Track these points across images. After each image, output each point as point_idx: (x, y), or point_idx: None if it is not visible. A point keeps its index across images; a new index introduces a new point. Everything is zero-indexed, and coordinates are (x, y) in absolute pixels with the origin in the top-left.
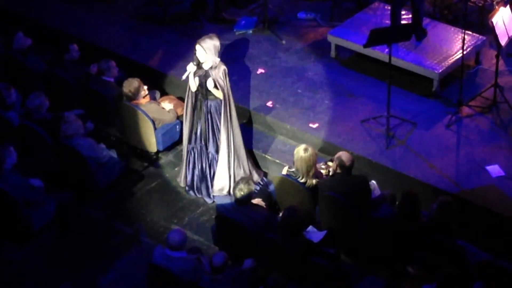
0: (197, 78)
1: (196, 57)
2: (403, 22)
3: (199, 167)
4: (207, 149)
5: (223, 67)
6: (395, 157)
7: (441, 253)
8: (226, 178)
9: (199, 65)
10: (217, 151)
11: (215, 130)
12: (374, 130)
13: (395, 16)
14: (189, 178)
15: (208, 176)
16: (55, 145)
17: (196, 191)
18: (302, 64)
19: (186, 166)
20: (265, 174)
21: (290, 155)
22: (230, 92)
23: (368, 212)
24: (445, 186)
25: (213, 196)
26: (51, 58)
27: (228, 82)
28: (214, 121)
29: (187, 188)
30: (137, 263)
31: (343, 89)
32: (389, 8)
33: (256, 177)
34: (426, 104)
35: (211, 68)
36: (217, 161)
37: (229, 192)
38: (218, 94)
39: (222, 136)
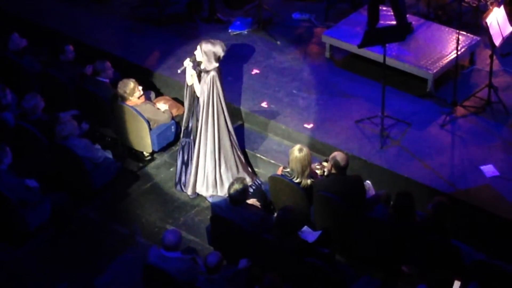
0: (193, 77)
1: (194, 55)
2: (391, 22)
3: (185, 162)
4: (194, 145)
5: (212, 73)
6: (389, 157)
7: (436, 253)
8: (201, 178)
9: (198, 63)
10: (199, 150)
11: (203, 130)
12: (369, 130)
13: (374, 12)
14: (177, 172)
15: (189, 171)
16: (51, 146)
17: (181, 186)
18: (297, 65)
19: (176, 161)
20: (256, 175)
21: (285, 155)
22: (220, 97)
23: (363, 212)
24: (440, 186)
25: (191, 193)
26: (46, 58)
27: (219, 88)
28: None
29: (175, 182)
30: (133, 264)
31: (337, 89)
32: (384, 8)
33: (248, 180)
34: (421, 104)
35: (204, 69)
36: (197, 160)
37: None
38: (197, 90)
39: (208, 139)
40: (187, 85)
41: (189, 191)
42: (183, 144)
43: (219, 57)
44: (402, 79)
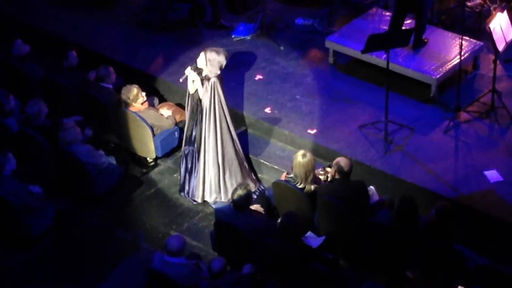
0: (196, 82)
1: (197, 62)
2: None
3: (189, 170)
4: (198, 153)
5: (213, 79)
6: (393, 162)
7: (439, 258)
8: (206, 185)
9: (198, 70)
10: (205, 158)
11: (206, 136)
12: (372, 136)
13: (396, 23)
14: (181, 179)
15: (194, 179)
16: (54, 152)
17: (185, 193)
18: (300, 70)
19: (179, 167)
20: (260, 181)
21: (288, 160)
22: (222, 103)
23: (366, 217)
24: (444, 191)
25: (194, 200)
26: (49, 64)
27: (220, 94)
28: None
29: (179, 189)
30: (136, 269)
31: (341, 94)
32: (387, 14)
33: (251, 185)
34: (424, 110)
35: (205, 77)
36: (203, 168)
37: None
38: (201, 94)
39: (210, 145)
40: (189, 93)
41: (198, 199)
42: (186, 152)
43: (222, 65)
44: (406, 84)
